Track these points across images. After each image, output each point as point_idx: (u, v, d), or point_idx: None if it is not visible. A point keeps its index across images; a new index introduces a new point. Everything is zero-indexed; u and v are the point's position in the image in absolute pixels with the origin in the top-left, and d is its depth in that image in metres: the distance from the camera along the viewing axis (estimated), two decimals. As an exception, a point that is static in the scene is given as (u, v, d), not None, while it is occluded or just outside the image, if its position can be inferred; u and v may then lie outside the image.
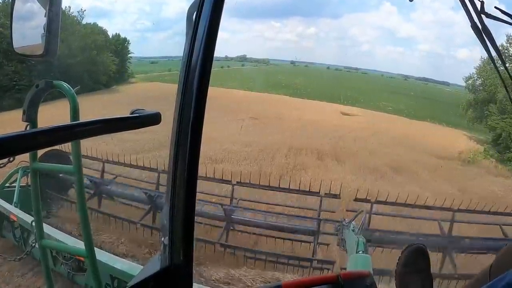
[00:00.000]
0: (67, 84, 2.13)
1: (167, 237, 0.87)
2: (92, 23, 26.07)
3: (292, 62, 41.57)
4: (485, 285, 1.07)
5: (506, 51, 18.64)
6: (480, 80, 21.30)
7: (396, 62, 47.93)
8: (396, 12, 38.72)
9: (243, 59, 41.05)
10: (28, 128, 2.07)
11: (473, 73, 21.80)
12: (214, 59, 0.83)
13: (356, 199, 6.99)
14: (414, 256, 1.67)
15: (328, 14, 58.12)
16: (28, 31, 1.51)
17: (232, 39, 43.19)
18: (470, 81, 22.20)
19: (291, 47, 47.28)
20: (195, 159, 0.84)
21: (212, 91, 0.83)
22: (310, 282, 1.03)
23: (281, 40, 49.24)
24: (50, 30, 1.35)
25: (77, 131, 0.76)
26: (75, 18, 24.29)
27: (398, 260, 1.70)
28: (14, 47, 1.51)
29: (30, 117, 2.10)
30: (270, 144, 15.70)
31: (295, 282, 1.01)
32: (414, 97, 31.29)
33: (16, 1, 1.46)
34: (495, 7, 1.25)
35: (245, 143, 15.16)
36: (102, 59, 25.19)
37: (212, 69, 0.84)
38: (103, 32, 26.60)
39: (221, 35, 0.83)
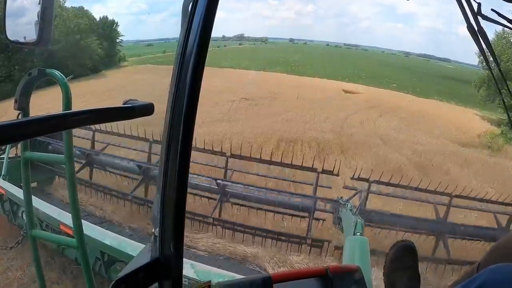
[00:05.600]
0: (59, 73, 2.15)
1: (157, 229, 0.90)
2: (77, 7, 25.65)
3: (291, 40, 41.52)
4: (459, 285, 1.09)
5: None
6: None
7: (396, 38, 47.88)
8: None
9: (240, 38, 41.18)
10: (20, 116, 2.12)
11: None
12: (210, 39, 0.84)
13: (353, 178, 6.86)
14: (402, 253, 1.70)
15: (326, -10, 56.85)
16: (22, 19, 1.55)
17: (230, 18, 42.77)
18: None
19: (289, 25, 46.71)
20: (186, 151, 0.86)
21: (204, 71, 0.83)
22: (299, 274, 1.10)
23: (279, 18, 48.55)
24: (44, 18, 1.40)
25: (69, 120, 0.78)
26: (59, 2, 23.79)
27: (387, 256, 1.73)
28: (7, 34, 1.55)
29: (22, 106, 2.13)
30: (254, 135, 13.08)
31: (284, 274, 1.08)
32: (417, 74, 30.67)
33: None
34: (492, 9, 1.26)
35: (220, 138, 11.47)
36: (86, 43, 24.80)
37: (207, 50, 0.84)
38: (87, 15, 26.08)
39: (218, 14, 0.83)
